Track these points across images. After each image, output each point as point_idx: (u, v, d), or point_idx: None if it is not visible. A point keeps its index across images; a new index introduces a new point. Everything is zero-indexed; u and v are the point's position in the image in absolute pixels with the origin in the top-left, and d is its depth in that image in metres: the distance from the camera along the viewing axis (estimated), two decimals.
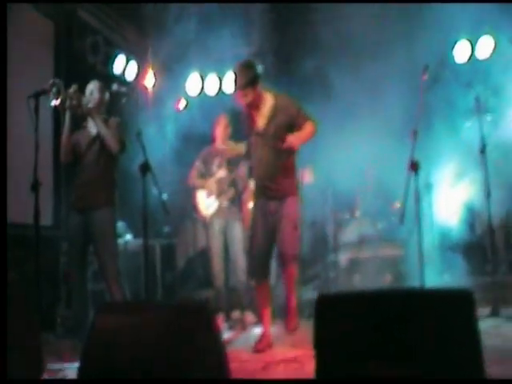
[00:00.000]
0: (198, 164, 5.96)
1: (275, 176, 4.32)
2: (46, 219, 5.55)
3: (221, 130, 5.92)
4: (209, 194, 5.84)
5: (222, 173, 5.82)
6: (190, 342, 2.21)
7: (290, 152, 4.30)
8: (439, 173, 6.50)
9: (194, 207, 6.14)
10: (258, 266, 4.42)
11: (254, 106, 4.34)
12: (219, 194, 5.80)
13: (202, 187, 5.89)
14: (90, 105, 4.54)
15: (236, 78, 4.29)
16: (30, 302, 3.14)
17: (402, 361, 2.03)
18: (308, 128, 4.28)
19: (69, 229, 4.64)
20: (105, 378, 2.31)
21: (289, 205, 4.33)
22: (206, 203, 5.85)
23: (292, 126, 4.27)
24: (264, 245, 4.37)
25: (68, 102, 4.35)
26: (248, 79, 4.22)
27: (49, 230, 5.70)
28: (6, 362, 2.66)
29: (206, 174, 5.89)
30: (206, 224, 5.86)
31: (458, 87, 6.34)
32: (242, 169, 5.75)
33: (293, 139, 4.17)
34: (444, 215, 6.57)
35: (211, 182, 5.83)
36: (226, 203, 5.79)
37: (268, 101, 4.36)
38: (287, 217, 4.29)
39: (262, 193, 4.42)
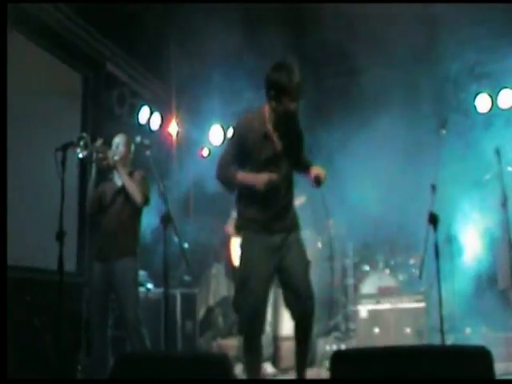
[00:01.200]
0: (233, 213, 6.04)
1: (287, 206, 3.82)
2: (70, 265, 5.65)
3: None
4: None
5: None
6: None
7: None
8: (460, 226, 6.49)
9: (218, 257, 6.17)
10: (257, 317, 3.67)
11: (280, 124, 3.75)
12: None
13: (237, 236, 5.94)
14: (116, 157, 4.67)
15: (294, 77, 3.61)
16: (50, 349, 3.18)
17: None
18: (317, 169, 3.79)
19: (92, 276, 4.73)
20: None
21: (297, 239, 3.81)
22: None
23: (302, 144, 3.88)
24: (265, 289, 3.70)
25: (94, 155, 4.50)
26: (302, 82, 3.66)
27: (72, 276, 5.79)
28: (5, 361, 2.69)
29: None
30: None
31: (478, 138, 6.38)
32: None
33: (320, 174, 3.71)
34: (465, 269, 6.52)
35: None
36: None
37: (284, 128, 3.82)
38: (297, 250, 3.77)
39: (269, 227, 3.76)
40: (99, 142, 4.54)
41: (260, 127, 3.71)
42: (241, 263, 3.82)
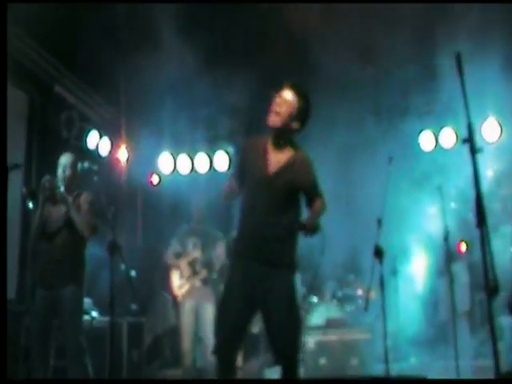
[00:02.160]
0: (173, 243, 6.01)
1: (273, 235, 3.47)
2: (10, 292, 5.46)
3: (197, 211, 6.01)
4: (181, 275, 5.87)
5: (196, 253, 5.87)
6: None
7: (296, 214, 3.58)
8: (405, 259, 6.63)
9: (165, 285, 6.13)
10: (226, 341, 3.45)
11: (277, 131, 3.55)
12: (192, 275, 5.83)
13: (176, 267, 5.92)
14: (62, 184, 4.56)
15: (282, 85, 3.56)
16: None
17: None
18: (319, 205, 3.63)
19: (34, 304, 4.58)
20: None
21: (282, 278, 3.48)
22: (179, 283, 5.88)
23: (299, 190, 3.60)
24: (240, 317, 3.46)
25: (41, 194, 4.43)
26: (296, 87, 3.57)
27: (12, 304, 5.60)
28: (5, 361, 2.57)
29: (181, 253, 5.94)
30: (178, 303, 5.86)
31: (423, 175, 6.58)
32: (220, 249, 5.82)
33: (312, 223, 3.49)
34: (409, 300, 6.65)
35: (184, 262, 5.87)
36: (198, 284, 5.82)
37: (288, 150, 3.61)
38: (280, 294, 3.44)
39: (249, 253, 3.52)
40: (45, 178, 4.45)
41: (262, 145, 3.60)
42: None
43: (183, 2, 6.05)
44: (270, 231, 3.46)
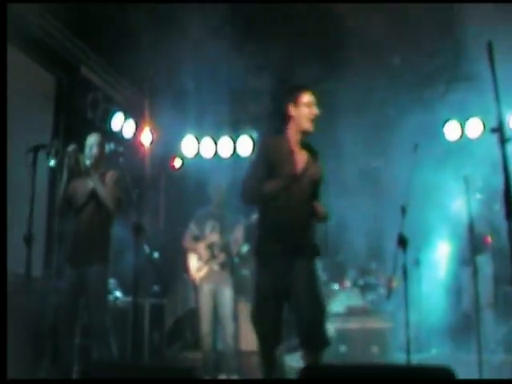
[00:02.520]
0: (192, 226, 6.03)
1: (302, 226, 3.73)
2: (36, 270, 5.54)
3: (217, 194, 6.00)
4: (199, 258, 5.88)
5: (214, 237, 5.87)
6: None
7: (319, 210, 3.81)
8: (428, 249, 6.58)
9: (184, 268, 6.17)
10: (269, 341, 3.71)
11: (305, 133, 3.86)
12: (210, 259, 5.84)
13: (194, 250, 5.94)
14: (89, 161, 4.61)
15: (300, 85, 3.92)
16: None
17: None
18: (321, 208, 3.84)
19: (62, 282, 4.64)
20: None
21: (306, 265, 3.68)
22: (197, 266, 5.89)
23: (320, 182, 3.90)
24: (276, 317, 3.69)
25: (66, 161, 4.43)
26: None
27: (38, 281, 5.67)
28: (5, 361, 2.63)
29: (199, 237, 5.95)
30: (196, 286, 5.89)
31: (448, 165, 6.50)
32: (239, 233, 5.81)
33: (323, 211, 3.79)
34: (432, 290, 6.61)
35: (202, 246, 5.88)
36: (216, 268, 5.84)
37: (305, 148, 3.91)
38: (304, 279, 3.63)
39: (277, 250, 3.70)
40: (72, 147, 4.48)
41: (285, 145, 3.84)
42: None
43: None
44: (301, 224, 3.72)
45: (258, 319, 3.73)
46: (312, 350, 3.63)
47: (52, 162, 4.27)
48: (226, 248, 5.84)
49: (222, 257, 5.85)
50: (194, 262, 5.95)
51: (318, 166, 3.88)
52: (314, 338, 3.61)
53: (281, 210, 3.73)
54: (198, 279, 5.87)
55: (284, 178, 3.73)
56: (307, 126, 3.81)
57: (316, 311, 3.62)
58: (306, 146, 3.89)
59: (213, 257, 5.85)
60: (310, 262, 3.71)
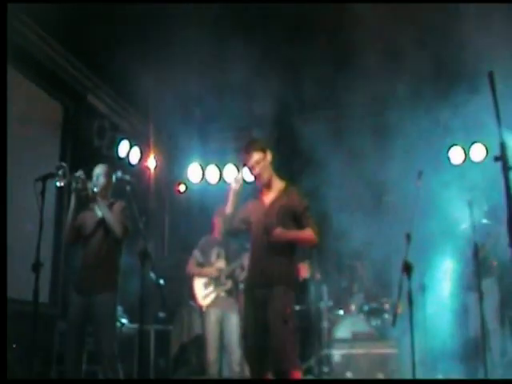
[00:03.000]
0: (196, 253, 6.04)
1: (269, 261, 4.02)
2: (43, 296, 5.56)
3: (219, 221, 6.02)
4: (207, 284, 5.89)
5: (220, 264, 5.89)
6: None
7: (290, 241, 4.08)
8: (433, 274, 6.57)
9: (190, 295, 6.17)
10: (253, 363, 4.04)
11: (264, 183, 4.24)
12: (217, 285, 5.85)
13: (200, 276, 5.94)
14: (96, 189, 4.66)
15: (246, 148, 4.27)
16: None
17: None
18: (306, 233, 4.09)
19: (69, 310, 4.65)
20: None
21: (277, 296, 3.94)
22: (204, 293, 5.89)
23: (293, 217, 4.12)
24: (258, 340, 3.98)
25: (74, 185, 4.48)
26: (258, 146, 4.24)
27: (45, 307, 5.70)
28: (5, 361, 2.62)
29: (204, 264, 5.96)
30: (203, 313, 5.89)
31: (452, 189, 6.52)
32: (246, 260, 5.80)
33: (278, 232, 3.97)
34: (437, 316, 6.59)
35: (209, 272, 5.89)
36: (223, 294, 5.84)
37: (278, 185, 4.27)
38: (275, 310, 3.91)
39: (252, 279, 4.15)
40: (79, 172, 4.53)
41: (257, 198, 4.32)
42: None
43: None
44: (272, 260, 4.01)
45: (244, 347, 4.15)
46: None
47: (59, 184, 4.32)
48: (232, 275, 5.85)
49: (228, 284, 5.86)
50: (200, 290, 5.95)
51: (290, 196, 4.16)
52: (281, 368, 3.83)
53: (252, 253, 4.17)
54: (205, 306, 5.86)
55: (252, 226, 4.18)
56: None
57: (279, 342, 3.83)
58: (278, 184, 4.27)
59: (219, 284, 5.85)
60: (284, 294, 3.96)
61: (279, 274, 3.99)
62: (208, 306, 5.84)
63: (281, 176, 4.33)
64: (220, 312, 5.78)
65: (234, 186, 4.26)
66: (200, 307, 5.97)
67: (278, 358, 3.84)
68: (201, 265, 5.98)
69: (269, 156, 4.24)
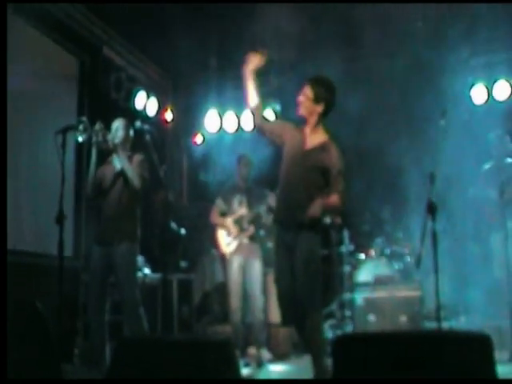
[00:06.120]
0: (218, 201, 6.04)
1: (301, 201, 3.88)
2: (67, 250, 5.64)
3: (242, 169, 5.99)
4: (229, 232, 5.91)
5: (242, 210, 5.88)
6: (212, 376, 2.24)
7: (318, 187, 3.96)
8: (457, 216, 6.50)
9: (214, 244, 6.21)
10: (290, 313, 3.96)
11: (312, 133, 4.08)
12: (239, 232, 5.86)
13: (223, 225, 5.96)
14: (116, 141, 4.66)
15: (309, 80, 4.06)
16: (51, 333, 3.19)
17: None
18: (333, 199, 3.91)
19: (91, 261, 4.72)
20: None
21: (304, 239, 3.91)
22: (227, 241, 5.91)
23: (325, 176, 3.97)
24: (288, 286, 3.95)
25: (94, 138, 4.48)
26: (319, 87, 4.01)
27: (69, 260, 5.78)
28: (5, 361, 2.69)
29: (226, 212, 5.97)
30: (226, 261, 5.92)
31: (476, 129, 6.40)
32: (267, 206, 5.78)
33: (314, 211, 3.79)
34: (461, 258, 6.57)
35: (231, 220, 5.90)
36: (246, 241, 5.85)
37: (321, 135, 4.09)
38: (301, 254, 3.88)
39: (283, 221, 4.04)
40: (98, 125, 4.51)
41: (300, 129, 4.14)
42: None
43: None
44: (298, 200, 3.90)
45: (277, 292, 4.00)
46: (309, 327, 3.83)
47: (80, 138, 4.32)
48: (254, 221, 5.85)
49: (251, 230, 5.87)
50: (223, 238, 5.97)
51: (328, 154, 3.98)
52: (307, 315, 3.82)
53: (282, 188, 4.07)
54: (228, 254, 5.89)
55: (286, 155, 4.06)
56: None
57: (306, 291, 3.82)
58: (324, 133, 4.10)
59: (242, 230, 5.86)
60: (309, 239, 3.91)
61: (302, 218, 3.86)
62: (231, 254, 5.87)
63: (326, 128, 4.13)
64: (243, 259, 5.81)
65: (251, 65, 4.13)
66: (223, 255, 6.01)
67: (303, 301, 3.82)
68: (223, 213, 6.00)
69: (321, 106, 4.02)
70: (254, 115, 4.36)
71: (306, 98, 4.03)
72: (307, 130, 4.09)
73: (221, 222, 5.97)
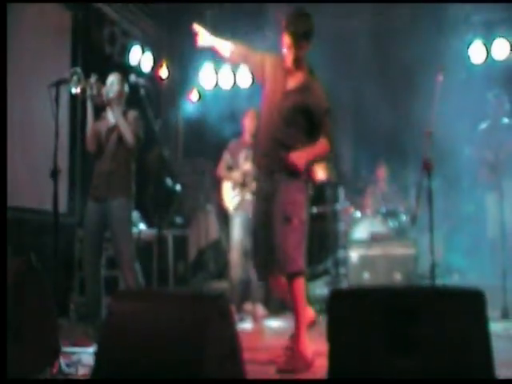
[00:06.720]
0: (226, 156, 6.00)
1: (280, 146, 3.64)
2: (61, 206, 5.62)
3: (249, 124, 5.92)
4: (234, 187, 5.89)
5: (246, 166, 5.84)
6: (204, 329, 2.24)
7: (302, 129, 3.71)
8: (451, 174, 6.49)
9: (209, 198, 6.18)
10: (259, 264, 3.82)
11: (293, 70, 3.74)
12: (243, 187, 5.83)
13: (228, 179, 5.94)
14: (111, 95, 4.59)
15: (290, 25, 3.63)
16: (47, 287, 3.20)
17: (413, 355, 2.06)
18: (320, 147, 3.70)
19: (86, 216, 4.71)
20: (120, 364, 2.35)
21: (284, 188, 3.64)
22: (231, 195, 5.90)
23: (308, 117, 3.70)
24: (263, 238, 3.72)
25: (89, 91, 4.39)
26: (307, 28, 3.64)
27: (63, 216, 5.77)
28: (5, 361, 2.70)
29: (233, 167, 5.94)
30: (228, 216, 5.91)
31: (474, 88, 6.35)
32: None
33: (297, 159, 3.56)
34: (455, 217, 6.60)
35: (236, 175, 5.87)
36: (248, 196, 5.81)
37: (304, 73, 3.76)
38: (277, 205, 3.62)
39: (260, 164, 3.83)
40: (93, 78, 4.42)
41: (282, 65, 3.78)
42: None
43: None
44: (278, 142, 3.64)
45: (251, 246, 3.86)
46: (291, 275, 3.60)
47: (74, 90, 4.23)
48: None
49: (254, 186, 5.83)
50: (228, 192, 5.95)
51: (311, 94, 3.69)
52: (283, 270, 3.62)
53: (261, 131, 3.81)
54: (231, 208, 5.89)
55: (267, 95, 3.78)
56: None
57: (280, 241, 3.58)
58: (306, 70, 3.77)
59: (245, 185, 5.82)
60: (287, 183, 3.64)
61: (281, 160, 3.61)
62: (234, 209, 5.86)
63: (309, 66, 3.82)
64: (245, 215, 5.75)
65: (201, 40, 3.93)
66: (221, 211, 5.97)
67: (279, 258, 3.58)
68: (230, 167, 5.97)
69: (305, 46, 3.68)
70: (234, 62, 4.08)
71: (289, 48, 3.68)
72: (289, 68, 3.74)
73: (227, 176, 5.94)
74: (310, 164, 3.73)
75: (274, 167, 3.67)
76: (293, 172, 3.60)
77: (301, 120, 3.70)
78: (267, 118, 3.76)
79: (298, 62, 3.71)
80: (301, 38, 3.62)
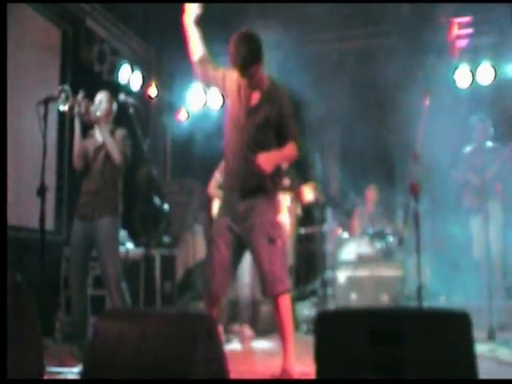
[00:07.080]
0: (216, 175, 6.00)
1: (253, 169, 3.52)
2: (48, 224, 5.59)
3: None
4: None
5: None
6: (192, 350, 2.24)
7: (272, 143, 3.63)
8: (437, 197, 6.55)
9: (197, 218, 6.16)
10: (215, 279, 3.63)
11: (253, 85, 3.63)
12: None
13: (219, 197, 5.93)
14: (98, 113, 4.59)
15: (237, 50, 3.49)
16: (32, 306, 3.17)
17: (399, 377, 2.07)
18: (288, 150, 3.65)
19: (72, 235, 4.68)
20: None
21: (261, 210, 3.58)
22: None
23: (275, 128, 3.63)
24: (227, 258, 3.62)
25: (76, 109, 4.39)
26: (253, 51, 3.49)
27: (50, 234, 5.74)
28: (5, 361, 2.67)
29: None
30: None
31: (460, 112, 6.44)
32: None
33: (265, 161, 3.49)
34: (441, 239, 6.64)
35: None
36: None
37: (266, 82, 3.67)
38: (260, 224, 3.56)
39: (234, 188, 3.70)
40: (80, 95, 4.43)
41: (238, 81, 3.66)
42: None
43: None
44: (250, 162, 3.51)
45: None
46: (277, 294, 3.57)
47: (62, 107, 4.22)
48: None
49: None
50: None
51: (276, 100, 3.60)
52: (274, 282, 3.56)
53: (233, 152, 3.68)
54: None
55: (229, 114, 3.68)
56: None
57: (266, 264, 3.53)
58: (263, 77, 3.67)
59: None
60: (263, 204, 3.61)
61: (260, 181, 3.56)
62: None
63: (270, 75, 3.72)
64: None
65: (190, 15, 3.71)
66: (208, 231, 5.97)
67: (266, 279, 3.54)
68: (221, 186, 5.96)
69: (258, 67, 3.55)
70: (199, 68, 3.85)
71: (240, 75, 3.58)
72: (248, 81, 3.61)
73: (218, 194, 5.93)
74: (278, 167, 3.64)
75: (248, 189, 3.60)
76: (265, 190, 3.60)
77: (269, 134, 3.63)
78: (234, 137, 3.66)
79: (255, 79, 3.60)
80: (248, 63, 3.50)
